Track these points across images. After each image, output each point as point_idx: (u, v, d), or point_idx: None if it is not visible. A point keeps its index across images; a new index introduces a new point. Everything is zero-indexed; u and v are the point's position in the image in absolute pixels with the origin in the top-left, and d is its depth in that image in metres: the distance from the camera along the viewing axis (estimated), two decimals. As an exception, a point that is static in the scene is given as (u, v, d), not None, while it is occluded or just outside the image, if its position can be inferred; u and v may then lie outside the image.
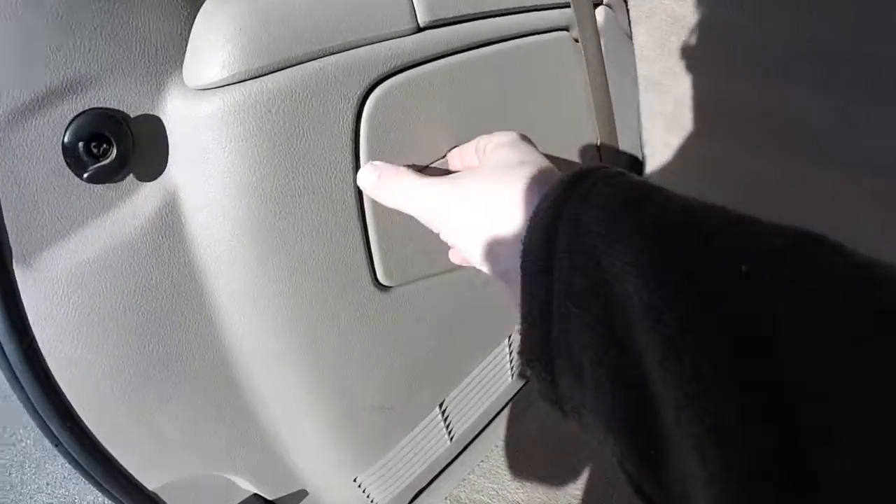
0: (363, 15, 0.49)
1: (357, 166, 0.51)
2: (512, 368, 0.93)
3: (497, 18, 0.61)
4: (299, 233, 0.48)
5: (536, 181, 0.37)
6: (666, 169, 0.99)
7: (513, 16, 0.63)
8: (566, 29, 0.72)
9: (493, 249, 0.38)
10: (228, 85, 0.42)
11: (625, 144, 0.93)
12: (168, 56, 0.41)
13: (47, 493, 1.80)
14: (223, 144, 0.42)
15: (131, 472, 0.49)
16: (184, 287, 0.46)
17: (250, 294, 0.49)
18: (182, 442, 0.52)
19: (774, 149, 0.88)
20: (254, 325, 0.51)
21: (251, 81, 0.43)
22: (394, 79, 0.51)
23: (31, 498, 1.80)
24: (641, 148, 1.00)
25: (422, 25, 0.53)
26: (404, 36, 0.52)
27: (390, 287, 0.59)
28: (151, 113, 0.41)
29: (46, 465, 1.85)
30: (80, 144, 0.38)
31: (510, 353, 0.89)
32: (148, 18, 0.40)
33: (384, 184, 0.47)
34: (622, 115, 0.89)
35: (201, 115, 0.41)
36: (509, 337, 0.87)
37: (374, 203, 0.52)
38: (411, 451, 0.79)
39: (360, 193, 0.52)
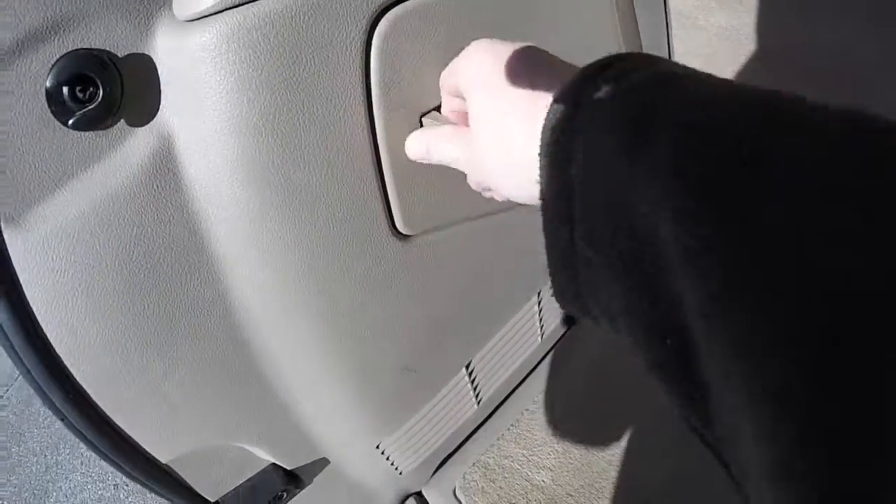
0: None
1: (368, 98, 0.45)
2: (542, 328, 0.88)
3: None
4: (306, 175, 0.44)
5: (542, 86, 0.33)
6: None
7: None
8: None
9: (514, 177, 0.34)
10: (221, 12, 0.38)
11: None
12: None
13: (82, 472, 1.84)
14: (218, 79, 0.38)
15: (142, 444, 0.48)
16: (183, 239, 0.43)
17: (255, 244, 0.45)
18: (192, 411, 0.50)
19: (820, 89, 0.81)
20: (261, 279, 0.47)
21: (246, 6, 0.38)
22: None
23: (66, 478, 1.83)
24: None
25: None
26: None
27: (410, 236, 0.53)
28: (140, 51, 0.38)
29: (81, 445, 1.86)
30: (65, 89, 0.35)
31: (539, 312, 0.84)
32: None
33: (435, 153, 0.44)
34: (651, 53, 0.82)
35: (193, 48, 0.38)
36: (539, 293, 0.82)
37: (392, 145, 0.47)
38: (437, 415, 0.75)
39: (373, 130, 0.46)
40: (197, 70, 0.38)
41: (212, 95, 0.39)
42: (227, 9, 0.38)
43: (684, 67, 0.27)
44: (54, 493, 1.80)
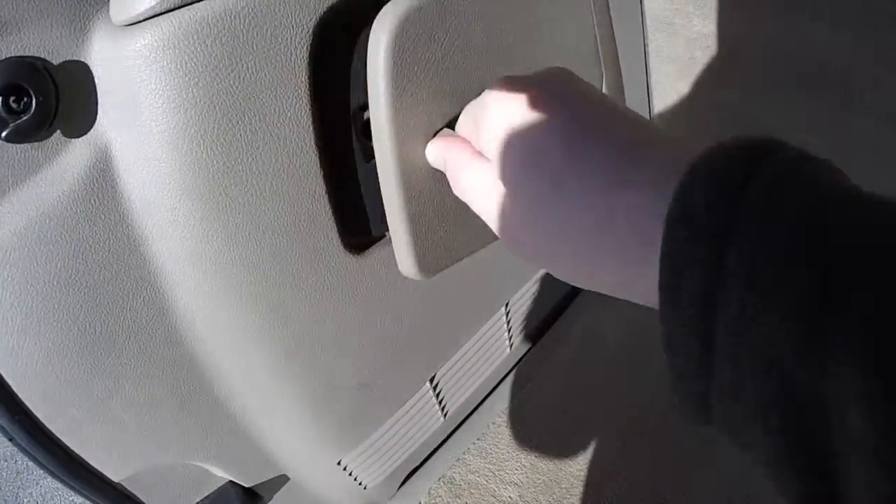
0: None
1: (315, 111, 0.43)
2: (511, 340, 0.86)
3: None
4: (250, 190, 0.42)
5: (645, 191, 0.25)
6: (676, 119, 0.92)
7: None
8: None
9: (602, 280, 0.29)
10: (159, 15, 0.36)
11: (630, 92, 0.85)
12: None
13: (43, 485, 1.78)
14: (154, 87, 0.36)
15: (92, 463, 0.46)
16: (124, 255, 0.41)
17: (197, 261, 0.43)
18: (142, 430, 0.48)
19: (797, 95, 0.80)
20: (204, 297, 0.45)
21: (185, 8, 0.36)
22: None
23: (37, 483, 1.79)
24: (649, 96, 0.92)
25: None
26: None
27: (364, 250, 0.52)
28: (76, 59, 0.36)
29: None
30: None
31: (508, 322, 0.83)
32: None
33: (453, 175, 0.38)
34: (627, 59, 0.81)
35: (128, 54, 0.36)
36: (506, 304, 0.80)
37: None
38: (401, 429, 0.73)
39: (322, 142, 0.45)
40: (132, 78, 0.36)
41: (148, 105, 0.37)
42: (163, 12, 0.36)
43: (825, 165, 0.22)
44: (25, 500, 1.76)
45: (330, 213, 0.47)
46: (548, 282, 0.88)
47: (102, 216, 0.39)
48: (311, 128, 0.43)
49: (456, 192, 0.38)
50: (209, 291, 0.45)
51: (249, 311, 0.47)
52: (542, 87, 0.31)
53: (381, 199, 0.51)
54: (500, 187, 0.32)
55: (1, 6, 0.33)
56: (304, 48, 0.41)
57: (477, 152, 0.36)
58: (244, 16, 0.38)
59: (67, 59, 0.36)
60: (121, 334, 0.43)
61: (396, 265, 0.56)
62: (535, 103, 0.30)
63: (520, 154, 0.30)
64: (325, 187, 0.46)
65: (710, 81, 0.88)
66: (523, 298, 0.84)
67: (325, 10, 0.42)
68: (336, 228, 0.48)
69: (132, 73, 0.36)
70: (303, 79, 0.42)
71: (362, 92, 0.48)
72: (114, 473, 0.48)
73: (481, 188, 0.34)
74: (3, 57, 0.34)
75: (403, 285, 0.59)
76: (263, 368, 0.52)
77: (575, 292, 1.03)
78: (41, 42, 0.35)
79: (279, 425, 0.59)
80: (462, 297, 0.70)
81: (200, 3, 0.37)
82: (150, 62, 0.36)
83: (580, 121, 0.29)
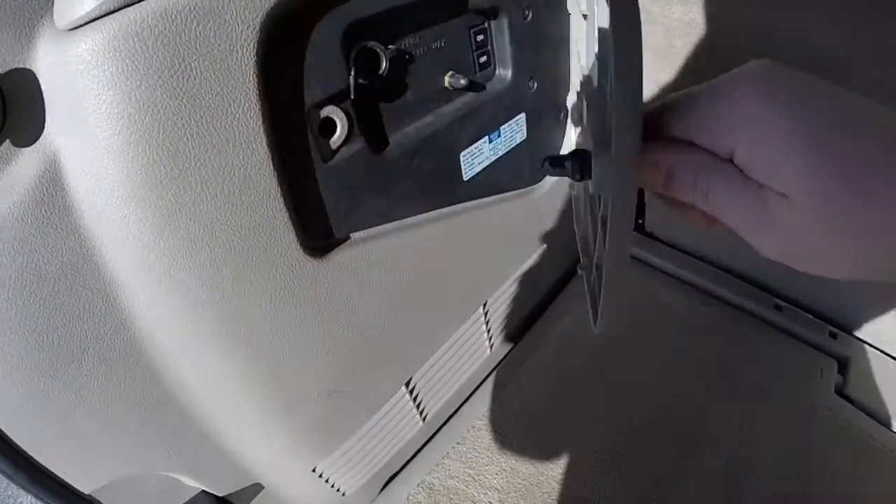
0: None
1: (266, 111, 0.42)
2: (490, 340, 0.86)
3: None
4: (201, 195, 0.41)
5: None
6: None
7: None
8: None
9: None
10: (100, 17, 0.35)
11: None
12: None
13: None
14: (98, 93, 0.35)
15: (61, 476, 0.46)
16: (77, 265, 0.40)
17: (151, 269, 0.42)
18: (108, 442, 0.48)
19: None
20: (163, 307, 0.44)
21: (126, 10, 0.35)
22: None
23: (27, 494, 1.76)
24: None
25: None
26: None
27: (327, 253, 0.51)
28: (22, 66, 0.36)
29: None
30: None
31: (487, 323, 0.82)
32: None
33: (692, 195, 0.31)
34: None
35: (71, 59, 0.35)
36: (484, 304, 0.79)
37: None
38: (378, 435, 0.72)
39: (275, 143, 0.44)
40: (76, 84, 0.35)
41: (93, 111, 0.36)
42: (104, 15, 0.35)
43: None
44: (25, 504, 1.75)
45: (286, 216, 0.46)
46: (527, 282, 0.88)
47: (54, 227, 0.39)
48: (263, 129, 0.42)
49: (704, 206, 0.31)
50: (165, 301, 0.44)
51: (207, 319, 0.46)
52: (771, 78, 0.28)
53: (343, 200, 0.52)
54: (782, 198, 0.28)
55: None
56: (252, 46, 0.40)
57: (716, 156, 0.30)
58: (186, 14, 0.37)
59: (13, 66, 0.35)
60: (79, 346, 0.42)
61: (364, 269, 0.55)
62: (786, 92, 0.28)
63: (803, 155, 0.27)
64: (279, 190, 0.45)
65: (691, 70, 0.87)
66: (501, 299, 0.84)
67: (272, 5, 0.41)
68: (294, 231, 0.47)
69: (76, 78, 0.35)
70: (251, 78, 0.41)
71: (318, 89, 0.48)
72: (84, 485, 0.48)
73: (750, 200, 0.29)
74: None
75: (371, 287, 0.58)
76: (226, 377, 0.51)
77: (555, 292, 1.03)
78: None
79: (248, 435, 0.58)
80: (436, 300, 0.69)
81: (141, 3, 0.36)
82: (91, 66, 0.35)
83: (840, 110, 0.27)
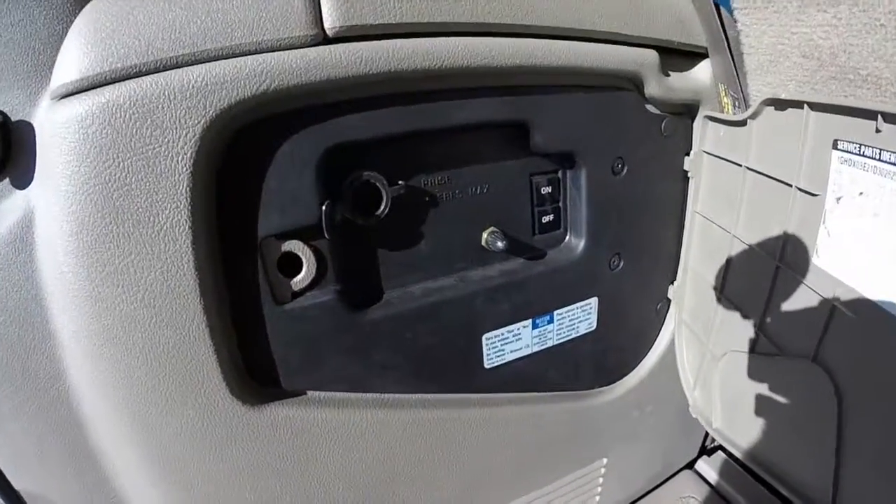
0: (251, 15, 0.37)
1: (200, 230, 0.38)
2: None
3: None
4: (124, 287, 0.38)
5: None
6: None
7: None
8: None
9: None
10: (77, 93, 0.35)
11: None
12: (46, 59, 0.38)
13: None
14: (60, 162, 0.36)
15: None
16: (29, 309, 0.41)
17: (83, 343, 0.40)
18: (33, 460, 0.46)
19: None
20: (89, 379, 0.41)
21: (96, 90, 0.35)
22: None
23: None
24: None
25: (330, 34, 0.38)
26: (298, 47, 0.38)
27: (270, 401, 0.44)
28: (26, 119, 0.38)
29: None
30: None
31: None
32: (33, 14, 0.38)
33: None
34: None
35: (52, 124, 0.36)
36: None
37: None
38: None
39: (208, 268, 0.39)
40: (52, 149, 0.36)
41: (55, 179, 0.36)
42: (78, 91, 0.35)
43: None
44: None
45: (211, 348, 0.40)
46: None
47: (17, 270, 0.39)
48: (191, 249, 0.38)
49: None
50: (91, 375, 0.41)
51: (124, 419, 0.42)
52: None
53: (297, 351, 0.43)
54: None
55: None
56: (188, 154, 0.36)
57: None
58: (126, 109, 0.35)
59: (21, 117, 0.38)
60: (19, 374, 0.42)
61: (317, 429, 0.46)
62: None
63: None
64: (205, 318, 0.39)
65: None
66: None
67: (220, 110, 0.36)
68: (219, 367, 0.41)
69: (52, 143, 0.36)
70: (183, 189, 0.36)
71: (277, 218, 0.40)
72: (13, 479, 0.47)
73: None
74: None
75: (324, 456, 0.47)
76: (140, 477, 0.45)
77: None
78: (3, 98, 0.37)
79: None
80: (414, 492, 0.52)
81: (108, 86, 0.35)
82: (58, 139, 0.35)
83: None
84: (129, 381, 0.41)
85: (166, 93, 0.35)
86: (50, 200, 0.37)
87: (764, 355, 0.49)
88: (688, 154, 0.52)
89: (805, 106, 0.40)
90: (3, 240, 0.39)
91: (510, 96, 0.42)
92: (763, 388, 0.51)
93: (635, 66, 0.46)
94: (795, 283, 0.43)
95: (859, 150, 0.36)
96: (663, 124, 0.49)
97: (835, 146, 0.38)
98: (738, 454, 0.57)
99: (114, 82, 0.35)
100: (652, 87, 0.47)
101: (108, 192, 0.36)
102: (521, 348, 0.49)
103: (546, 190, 0.47)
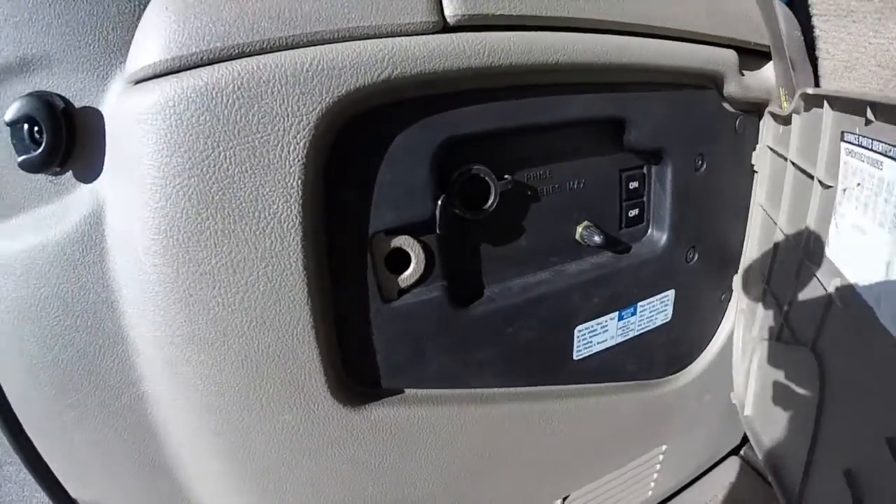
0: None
1: (310, 225, 0.35)
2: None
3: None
4: (223, 294, 0.35)
5: None
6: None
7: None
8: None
9: None
10: (164, 75, 0.32)
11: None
12: (116, 38, 0.36)
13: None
14: (145, 152, 0.32)
15: (55, 472, 0.45)
16: (100, 312, 0.38)
17: (170, 355, 0.37)
18: (97, 467, 0.45)
19: None
20: (175, 394, 0.39)
21: (191, 72, 0.32)
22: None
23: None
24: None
25: (450, 22, 0.37)
26: (418, 34, 0.36)
27: (364, 402, 0.42)
28: (94, 106, 0.35)
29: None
30: (25, 127, 0.34)
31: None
32: None
33: None
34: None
35: (130, 112, 0.33)
36: (564, 499, 0.61)
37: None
38: None
39: (316, 264, 0.36)
40: (130, 138, 0.33)
41: (137, 171, 0.33)
42: (166, 73, 0.32)
43: None
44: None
45: (315, 347, 0.38)
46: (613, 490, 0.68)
47: (87, 267, 0.37)
48: (301, 245, 0.35)
49: None
50: (172, 382, 0.39)
51: (209, 425, 0.39)
52: None
53: (401, 350, 0.42)
54: None
55: (34, 42, 0.34)
56: (302, 144, 0.33)
57: None
58: (229, 94, 0.32)
59: (87, 104, 0.35)
60: (88, 381, 0.40)
61: (414, 429, 0.45)
62: None
63: None
64: (311, 317, 0.37)
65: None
66: (584, 494, 0.65)
67: (337, 97, 0.33)
68: (322, 367, 0.39)
69: (131, 132, 0.33)
70: (294, 182, 0.34)
71: (389, 212, 0.39)
72: (72, 489, 0.46)
73: None
74: (31, 91, 0.34)
75: (420, 455, 0.46)
76: (219, 485, 0.43)
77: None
78: (67, 82, 0.35)
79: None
80: (506, 484, 0.52)
81: (206, 67, 0.32)
82: (145, 125, 0.32)
83: None
84: (220, 388, 0.39)
85: (277, 76, 0.33)
86: (128, 195, 0.34)
87: (783, 344, 0.51)
88: (755, 149, 0.54)
89: (824, 100, 0.41)
90: (70, 238, 0.36)
91: (610, 93, 0.43)
92: (780, 377, 0.53)
93: (717, 66, 0.47)
94: (810, 275, 0.45)
95: (858, 141, 0.37)
96: (737, 122, 0.51)
97: (842, 138, 0.39)
98: (753, 444, 0.59)
99: (212, 63, 0.32)
100: (731, 86, 0.48)
101: (205, 186, 0.33)
102: (605, 340, 0.50)
103: (633, 185, 0.48)
